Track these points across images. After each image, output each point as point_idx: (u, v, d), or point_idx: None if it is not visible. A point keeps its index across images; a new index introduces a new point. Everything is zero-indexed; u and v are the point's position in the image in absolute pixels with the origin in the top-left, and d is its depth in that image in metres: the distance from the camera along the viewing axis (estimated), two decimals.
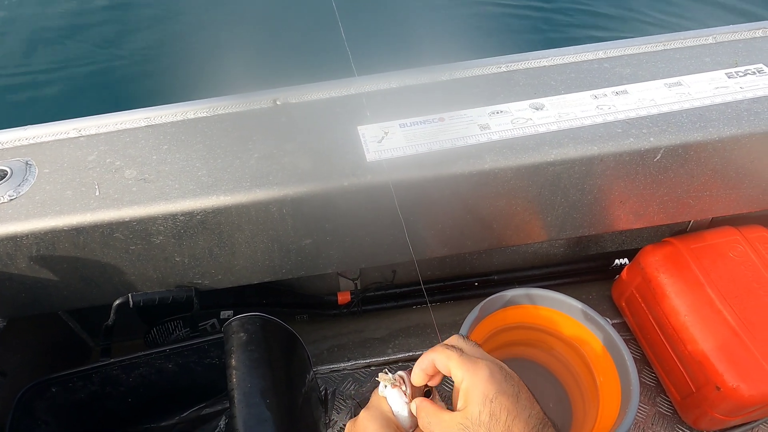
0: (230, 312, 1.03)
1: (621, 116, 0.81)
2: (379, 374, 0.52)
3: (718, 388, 0.89)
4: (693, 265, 1.00)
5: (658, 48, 0.93)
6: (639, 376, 1.09)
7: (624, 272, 1.13)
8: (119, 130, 0.82)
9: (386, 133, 0.80)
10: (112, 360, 0.84)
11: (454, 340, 0.52)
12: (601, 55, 0.92)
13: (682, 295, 0.98)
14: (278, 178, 0.74)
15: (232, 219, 0.74)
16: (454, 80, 0.89)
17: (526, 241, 0.90)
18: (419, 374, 0.51)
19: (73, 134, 0.81)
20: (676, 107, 0.82)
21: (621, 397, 0.91)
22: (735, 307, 0.94)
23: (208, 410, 0.99)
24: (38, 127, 0.81)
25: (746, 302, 0.95)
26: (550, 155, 0.76)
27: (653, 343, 1.05)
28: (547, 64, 0.91)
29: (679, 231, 1.11)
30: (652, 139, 0.77)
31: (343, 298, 1.11)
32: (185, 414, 1.00)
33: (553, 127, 0.79)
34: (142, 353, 0.86)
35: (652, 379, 1.08)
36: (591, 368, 0.97)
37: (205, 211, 0.72)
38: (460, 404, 0.47)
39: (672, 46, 0.94)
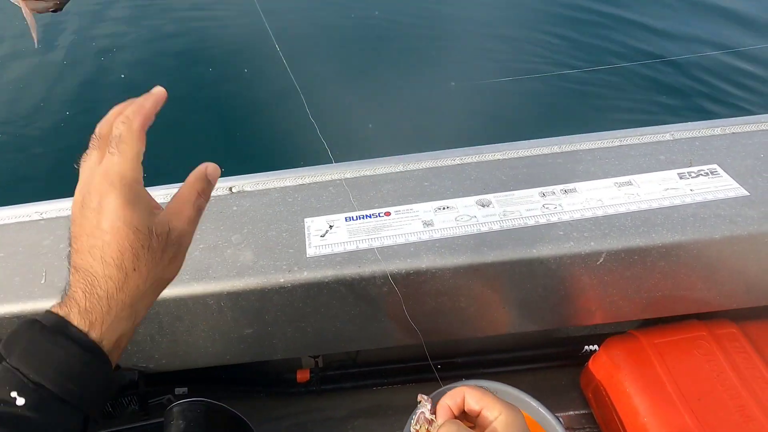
0: (184, 389, 1.03)
1: (565, 217, 0.81)
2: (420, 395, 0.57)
3: None
4: (655, 362, 0.97)
5: (614, 143, 0.94)
6: None
7: (590, 361, 1.10)
8: (47, 219, 0.85)
9: (330, 227, 0.81)
10: None
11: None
12: (555, 149, 0.93)
13: (643, 394, 0.95)
14: (218, 272, 0.75)
15: (170, 310, 0.75)
16: (408, 172, 0.91)
17: (476, 335, 0.89)
18: (447, 406, 0.53)
19: (35, 217, 0.85)
20: (622, 209, 0.82)
21: None
22: (696, 411, 0.90)
23: None
24: (1, 210, 0.85)
25: (709, 405, 0.91)
26: (489, 256, 0.76)
27: None
28: (500, 157, 0.92)
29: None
30: (592, 243, 0.77)
31: (303, 376, 1.10)
32: None
33: (496, 227, 0.80)
34: None
35: None
36: None
37: None
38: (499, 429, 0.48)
39: (628, 142, 0.94)
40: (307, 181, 0.90)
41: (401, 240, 0.79)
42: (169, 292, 0.72)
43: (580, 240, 0.77)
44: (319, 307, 0.78)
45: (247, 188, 0.89)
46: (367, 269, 0.76)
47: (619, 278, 0.81)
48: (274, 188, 0.89)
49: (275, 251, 0.78)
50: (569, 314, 0.87)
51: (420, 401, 0.56)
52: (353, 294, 0.77)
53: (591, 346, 1.16)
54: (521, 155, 0.93)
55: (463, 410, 0.53)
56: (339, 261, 0.76)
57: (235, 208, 0.86)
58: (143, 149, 0.45)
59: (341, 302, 0.78)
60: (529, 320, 0.88)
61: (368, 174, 0.91)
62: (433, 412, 0.55)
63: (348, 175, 0.91)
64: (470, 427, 0.51)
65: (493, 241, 0.78)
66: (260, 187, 0.89)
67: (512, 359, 1.16)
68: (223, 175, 0.93)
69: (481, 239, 0.78)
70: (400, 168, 0.92)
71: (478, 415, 0.51)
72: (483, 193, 0.86)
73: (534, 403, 0.93)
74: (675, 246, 0.77)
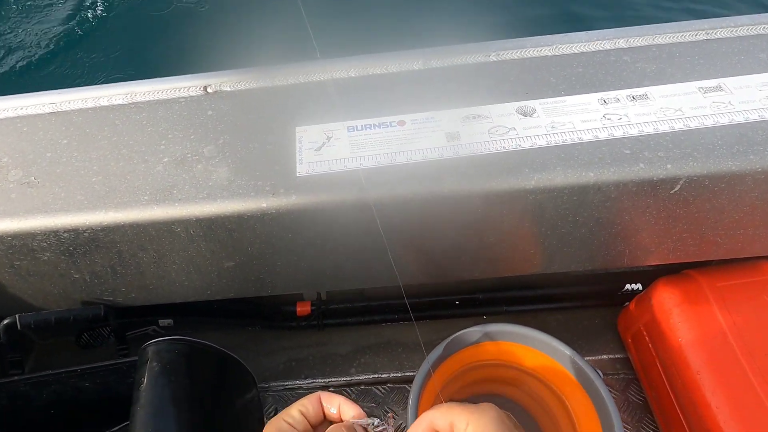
0: (170, 321, 0.92)
1: (633, 131, 0.62)
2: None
3: None
4: (716, 309, 0.82)
5: (699, 37, 0.72)
6: (639, 425, 0.94)
7: (633, 303, 0.95)
8: (18, 117, 0.69)
9: (329, 138, 0.64)
10: (15, 378, 0.75)
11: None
12: (621, 44, 0.72)
13: (698, 345, 0.80)
14: (183, 193, 0.59)
15: (128, 238, 0.61)
16: (428, 70, 0.71)
17: (504, 275, 0.74)
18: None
19: (46, 109, 0.69)
20: (709, 122, 0.62)
21: None
22: (764, 367, 0.76)
23: None
24: None
25: None
26: (531, 181, 0.59)
27: (658, 393, 0.88)
28: (549, 53, 0.72)
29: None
30: (669, 166, 0.58)
31: (303, 309, 0.98)
32: (119, 427, 0.92)
33: (541, 142, 0.62)
34: (51, 372, 0.76)
35: (652, 430, 0.92)
36: (575, 424, 0.82)
37: (93, 229, 0.59)
38: None
39: (716, 36, 0.73)
40: (300, 80, 0.71)
41: (418, 157, 0.61)
42: (122, 216, 0.57)
43: (653, 162, 0.59)
44: (313, 238, 0.63)
45: (226, 87, 0.71)
46: (373, 194, 0.59)
47: (695, 211, 0.63)
48: (260, 88, 0.71)
49: (257, 168, 0.61)
50: (621, 254, 0.71)
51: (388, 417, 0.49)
52: (355, 224, 0.61)
53: (633, 285, 1.01)
54: (576, 51, 0.72)
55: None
56: (337, 182, 0.60)
57: (210, 112, 0.68)
58: None
59: (340, 234, 0.62)
60: (571, 260, 0.72)
61: (378, 72, 0.72)
62: None
63: (353, 73, 0.71)
64: None
65: (537, 161, 0.60)
66: (242, 86, 0.71)
67: (539, 297, 1.01)
68: (197, 70, 0.75)
69: (521, 158, 0.60)
70: (418, 65, 0.72)
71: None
72: (525, 98, 0.66)
73: (567, 351, 0.80)
74: None
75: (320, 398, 0.48)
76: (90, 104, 0.70)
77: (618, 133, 0.62)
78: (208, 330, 1.01)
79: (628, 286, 1.01)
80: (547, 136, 0.62)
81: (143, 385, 0.69)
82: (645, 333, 0.91)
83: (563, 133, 0.62)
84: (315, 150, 0.63)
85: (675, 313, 0.84)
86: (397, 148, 0.62)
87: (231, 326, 1.00)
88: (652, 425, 0.93)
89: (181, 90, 0.71)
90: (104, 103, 0.70)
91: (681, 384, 0.81)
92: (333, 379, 0.98)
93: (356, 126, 0.65)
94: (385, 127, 0.65)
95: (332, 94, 0.69)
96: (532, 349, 0.83)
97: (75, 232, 0.59)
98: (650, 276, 0.90)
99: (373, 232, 0.63)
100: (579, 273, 1.00)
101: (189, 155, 0.63)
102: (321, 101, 0.68)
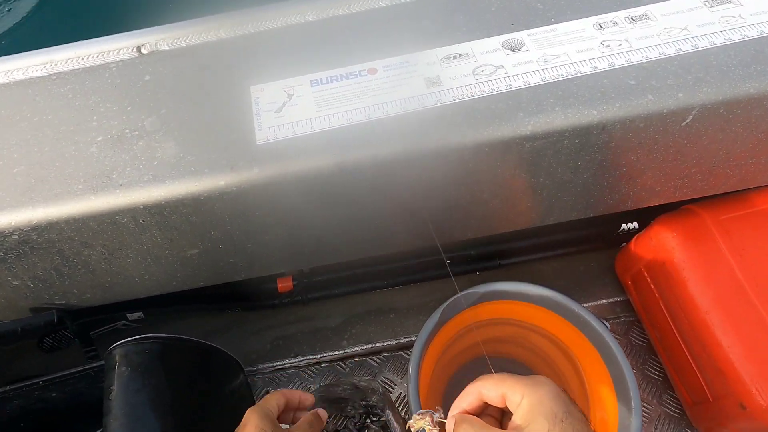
0: (139, 314, 0.84)
1: (636, 58, 0.54)
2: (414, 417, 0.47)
3: (743, 407, 0.70)
4: (722, 243, 0.77)
5: None
6: (644, 368, 0.92)
7: (632, 243, 0.90)
8: None
9: (290, 96, 0.55)
10: None
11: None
12: None
13: (705, 283, 0.76)
14: (124, 177, 0.50)
15: (67, 236, 0.52)
16: (397, 6, 0.62)
17: (499, 231, 0.67)
18: (460, 405, 0.44)
19: (39, 72, 0.58)
20: (720, 40, 0.55)
21: (618, 412, 0.73)
22: None
23: None
24: None
25: None
26: (527, 126, 0.51)
27: (663, 334, 0.85)
28: None
29: None
30: (681, 95, 0.51)
31: (285, 285, 0.91)
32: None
33: (534, 80, 0.54)
34: (10, 387, 0.68)
35: (658, 371, 0.90)
36: (581, 374, 0.78)
37: (22, 230, 0.50)
38: (518, 421, 0.40)
39: None
40: (250, 29, 0.61)
41: (395, 109, 0.53)
42: (55, 212, 0.48)
43: (662, 91, 0.52)
44: (285, 214, 0.55)
45: (164, 46, 0.60)
46: (348, 156, 0.51)
47: (706, 143, 0.57)
48: (204, 44, 0.61)
49: (210, 139, 0.52)
50: (625, 197, 0.65)
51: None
52: (330, 193, 0.53)
53: (629, 224, 0.96)
54: None
55: (484, 405, 0.45)
56: (304, 148, 0.51)
57: (147, 77, 0.58)
58: None
59: (316, 206, 0.54)
60: (571, 209, 0.66)
61: (340, 13, 0.62)
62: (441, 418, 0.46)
63: (310, 17, 0.61)
64: (497, 420, 0.44)
65: (532, 102, 0.52)
66: (182, 43, 0.61)
67: (533, 246, 0.96)
68: (127, 28, 0.64)
69: (513, 100, 0.52)
70: (386, 1, 0.62)
71: (503, 404, 0.43)
72: (511, 30, 0.58)
73: (564, 300, 0.75)
74: None
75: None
76: (2, 79, 0.59)
77: (620, 62, 0.54)
78: (185, 318, 0.94)
79: (624, 226, 0.96)
80: (541, 71, 0.54)
81: (113, 393, 0.62)
82: (646, 274, 0.87)
83: (558, 67, 0.54)
84: (275, 112, 0.54)
85: (678, 251, 0.79)
86: (371, 101, 0.54)
87: (209, 311, 0.93)
88: (657, 367, 0.91)
89: (111, 53, 0.60)
90: (19, 76, 0.59)
91: (688, 324, 0.77)
92: (324, 354, 0.92)
93: (320, 79, 0.56)
94: (353, 78, 0.56)
95: (289, 44, 0.59)
96: (532, 305, 0.78)
97: (0, 236, 0.50)
98: (647, 213, 0.85)
99: (353, 199, 0.55)
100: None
101: (127, 131, 0.53)
102: (277, 53, 0.58)
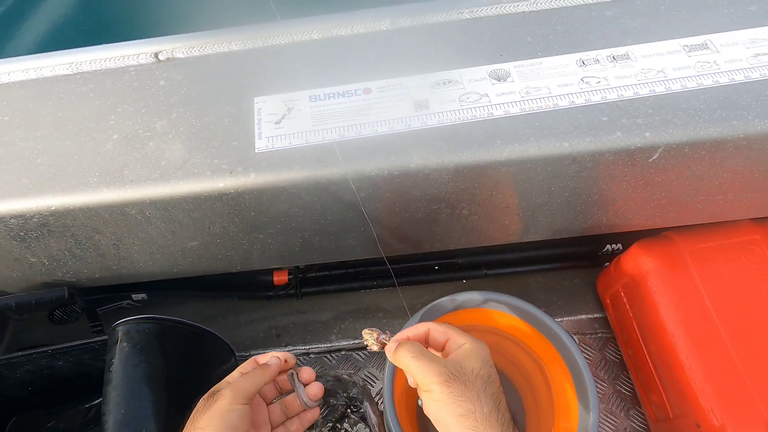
0: (143, 295, 0.90)
1: (611, 96, 0.58)
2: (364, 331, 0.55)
3: (698, 426, 0.74)
4: (694, 271, 0.81)
5: None
6: (615, 383, 0.96)
7: (613, 263, 0.94)
8: None
9: (290, 109, 0.60)
10: None
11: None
12: None
13: (674, 307, 0.80)
14: (135, 173, 0.56)
15: (81, 222, 0.58)
16: (397, 30, 0.66)
17: (479, 245, 0.72)
18: (406, 334, 0.53)
19: (65, 70, 0.64)
20: (692, 84, 0.59)
21: (579, 421, 0.77)
22: (737, 329, 0.76)
23: None
24: None
25: (753, 323, 0.77)
26: (502, 153, 0.55)
27: (635, 352, 0.89)
28: (527, 9, 0.67)
29: None
30: (648, 134, 0.55)
31: (280, 278, 0.97)
32: (95, 402, 0.92)
33: (515, 110, 0.58)
34: (21, 353, 0.75)
35: (628, 387, 0.94)
36: (550, 384, 0.83)
37: (42, 214, 0.56)
38: (457, 357, 0.48)
39: None
40: (259, 44, 0.66)
41: (384, 129, 0.58)
42: (71, 201, 0.54)
43: (631, 129, 0.56)
44: (278, 216, 0.60)
45: (179, 54, 0.66)
46: (337, 170, 0.56)
47: (673, 179, 0.61)
48: (216, 54, 0.66)
49: (213, 144, 0.58)
50: (599, 221, 0.69)
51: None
52: (321, 201, 0.58)
53: (614, 245, 1.00)
54: (556, 5, 0.67)
55: (426, 344, 0.53)
56: (299, 159, 0.56)
57: (162, 82, 0.63)
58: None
59: (306, 211, 0.59)
60: (547, 228, 0.70)
61: (343, 33, 0.67)
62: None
63: (315, 35, 0.66)
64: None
65: (510, 131, 0.56)
66: (196, 52, 0.66)
67: (520, 259, 1.01)
68: (147, 34, 0.70)
69: (493, 127, 0.57)
70: (386, 25, 0.67)
71: (443, 348, 0.51)
72: (499, 61, 0.62)
73: (546, 319, 0.80)
74: (762, 137, 0.56)
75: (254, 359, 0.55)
76: (32, 75, 0.65)
77: (596, 98, 0.58)
78: (185, 302, 1.00)
79: (608, 247, 1.00)
80: (521, 102, 0.58)
81: (114, 366, 0.68)
82: (623, 294, 0.91)
83: (538, 99, 0.59)
84: (275, 123, 0.59)
85: (652, 275, 0.83)
86: (363, 119, 0.58)
87: (206, 298, 0.99)
88: (627, 382, 0.95)
89: (131, 58, 0.66)
90: (47, 74, 0.65)
91: (656, 345, 0.82)
92: (313, 346, 0.98)
93: (319, 95, 0.61)
94: (349, 96, 0.61)
95: (294, 60, 0.64)
96: (510, 315, 0.83)
97: (23, 218, 0.56)
98: (632, 237, 0.89)
99: (341, 207, 0.60)
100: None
101: (140, 131, 0.59)
102: (282, 68, 0.64)
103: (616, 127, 0.56)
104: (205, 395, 0.49)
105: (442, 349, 0.52)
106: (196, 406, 0.49)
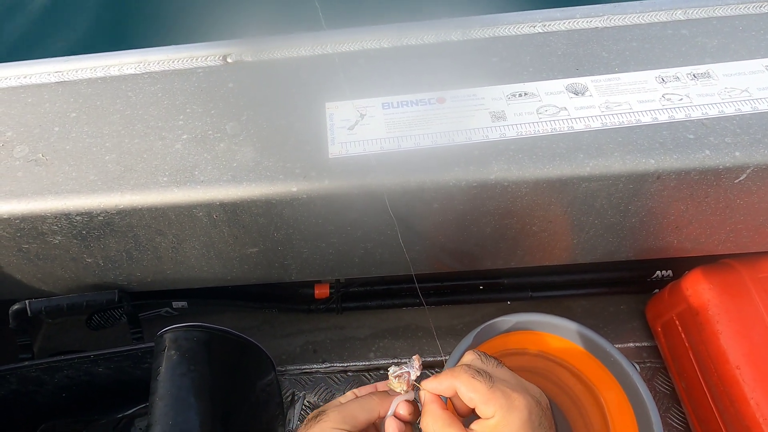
0: (184, 303, 0.88)
1: (696, 114, 0.57)
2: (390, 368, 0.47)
3: None
4: (758, 300, 0.78)
5: (764, 9, 0.66)
6: (666, 415, 0.92)
7: (666, 290, 0.91)
8: (22, 86, 0.63)
9: (362, 116, 0.59)
10: (26, 363, 0.71)
11: (473, 359, 0.44)
12: (679, 15, 0.66)
13: (738, 338, 0.77)
14: (206, 174, 0.54)
15: (146, 222, 0.56)
16: (468, 42, 0.65)
17: (541, 263, 0.69)
18: (432, 390, 0.43)
19: (51, 78, 0.64)
20: None
21: None
22: None
23: None
24: None
25: None
26: (585, 168, 0.54)
27: (690, 384, 0.86)
28: (600, 25, 0.66)
29: None
30: (738, 153, 0.53)
31: (322, 291, 0.94)
32: (134, 410, 0.89)
33: (596, 124, 0.56)
34: (63, 358, 0.72)
35: (680, 420, 0.90)
36: (605, 415, 0.79)
37: (108, 212, 0.54)
38: None
39: None
40: (329, 50, 0.65)
41: (461, 138, 0.56)
42: (140, 199, 0.52)
43: (720, 148, 0.54)
44: (344, 225, 0.58)
45: (247, 57, 0.65)
46: (411, 178, 0.54)
47: (756, 201, 0.59)
48: (284, 59, 0.65)
49: (285, 148, 0.56)
50: (669, 245, 0.67)
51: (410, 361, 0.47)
52: (391, 210, 0.56)
53: (664, 272, 0.97)
54: (630, 22, 0.66)
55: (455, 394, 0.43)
56: (373, 165, 0.55)
57: (230, 84, 0.62)
58: None
59: (374, 221, 0.58)
60: (615, 250, 0.67)
61: (413, 43, 0.66)
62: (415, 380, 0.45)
63: (385, 44, 0.66)
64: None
65: (593, 145, 0.55)
66: (265, 56, 0.65)
67: (567, 283, 0.98)
68: (215, 38, 0.69)
69: (574, 141, 0.55)
70: (457, 36, 0.66)
71: (468, 414, 0.43)
72: (576, 75, 0.61)
73: (597, 339, 0.77)
74: None
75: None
76: (99, 73, 0.64)
77: (679, 116, 0.57)
78: (222, 312, 0.98)
79: (658, 273, 0.97)
80: (602, 117, 0.57)
81: (161, 375, 0.65)
82: (678, 322, 0.87)
83: (619, 114, 0.57)
84: (348, 129, 0.57)
85: (713, 304, 0.80)
86: (438, 128, 0.57)
87: (246, 309, 0.96)
88: (679, 415, 0.91)
89: (199, 59, 0.65)
90: (115, 72, 0.64)
91: (717, 377, 0.78)
92: (351, 364, 0.95)
93: (391, 103, 0.60)
94: (423, 105, 0.59)
95: (364, 67, 0.63)
96: (563, 339, 0.80)
97: (88, 215, 0.54)
98: (682, 263, 0.86)
99: (409, 219, 0.58)
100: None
101: (210, 132, 0.58)
102: (352, 74, 0.63)
103: (704, 146, 0.54)
104: (312, 413, 0.44)
105: (466, 415, 0.44)
106: (303, 423, 0.44)
